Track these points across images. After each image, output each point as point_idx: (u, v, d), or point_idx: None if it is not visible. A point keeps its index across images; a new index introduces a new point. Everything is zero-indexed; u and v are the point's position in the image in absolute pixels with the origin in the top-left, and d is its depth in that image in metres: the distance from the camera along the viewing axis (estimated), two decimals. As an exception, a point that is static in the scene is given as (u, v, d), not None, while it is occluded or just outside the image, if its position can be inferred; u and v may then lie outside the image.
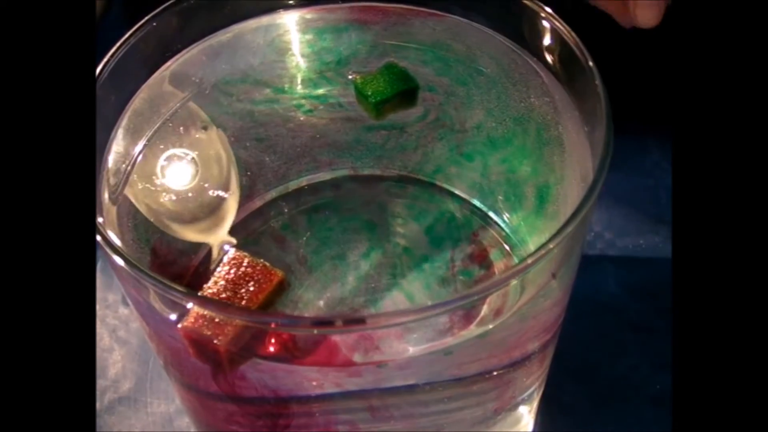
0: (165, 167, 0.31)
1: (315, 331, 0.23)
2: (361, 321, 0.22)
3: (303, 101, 0.33)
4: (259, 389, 0.26)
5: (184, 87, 0.32)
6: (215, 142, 0.32)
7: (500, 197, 0.32)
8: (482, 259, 0.31)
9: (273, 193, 0.33)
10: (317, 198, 0.33)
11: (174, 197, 0.31)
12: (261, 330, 0.24)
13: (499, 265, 0.31)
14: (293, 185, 0.33)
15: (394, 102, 0.32)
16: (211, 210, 0.32)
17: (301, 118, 0.33)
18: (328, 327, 0.22)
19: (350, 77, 0.33)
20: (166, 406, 0.39)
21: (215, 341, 0.24)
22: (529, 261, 0.22)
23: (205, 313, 0.24)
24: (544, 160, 0.31)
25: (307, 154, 0.33)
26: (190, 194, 0.31)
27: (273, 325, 0.23)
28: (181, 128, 0.32)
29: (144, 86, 0.32)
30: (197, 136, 0.32)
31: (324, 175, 0.33)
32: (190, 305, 0.23)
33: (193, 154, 0.32)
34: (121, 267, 0.23)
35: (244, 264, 0.26)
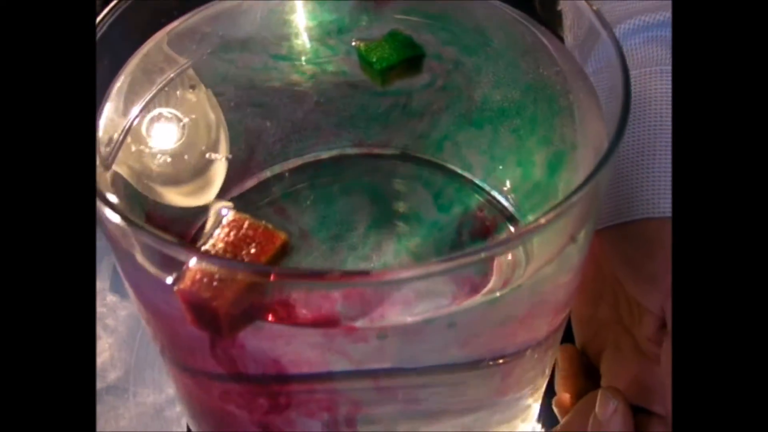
0: (151, 127, 0.30)
1: (319, 284, 0.21)
2: (365, 274, 0.21)
3: (305, 68, 0.32)
4: (259, 360, 0.24)
5: (181, 54, 0.31)
6: (203, 102, 0.31)
7: (509, 170, 0.31)
8: (489, 235, 0.30)
9: (273, 164, 0.31)
10: (319, 169, 0.32)
11: (159, 158, 0.30)
12: (262, 290, 0.22)
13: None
14: (294, 156, 0.31)
15: (400, 69, 0.31)
16: (198, 172, 0.30)
17: (303, 87, 0.32)
18: (331, 280, 0.21)
19: (353, 44, 0.32)
20: (155, 396, 0.38)
21: (214, 303, 0.22)
22: (549, 216, 0.21)
23: (203, 274, 0.22)
24: (555, 130, 0.30)
25: (309, 124, 0.32)
26: (175, 155, 0.30)
27: (274, 278, 0.21)
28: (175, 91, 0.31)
29: (137, 53, 0.30)
30: (185, 95, 0.31)
31: (326, 145, 0.32)
32: (191, 261, 0.21)
33: (179, 113, 0.30)
34: (112, 223, 0.22)
35: (245, 226, 0.25)
